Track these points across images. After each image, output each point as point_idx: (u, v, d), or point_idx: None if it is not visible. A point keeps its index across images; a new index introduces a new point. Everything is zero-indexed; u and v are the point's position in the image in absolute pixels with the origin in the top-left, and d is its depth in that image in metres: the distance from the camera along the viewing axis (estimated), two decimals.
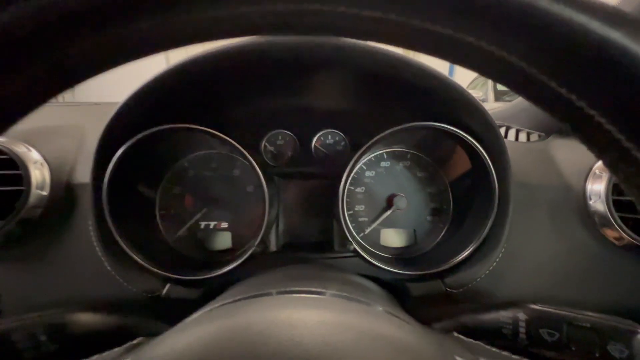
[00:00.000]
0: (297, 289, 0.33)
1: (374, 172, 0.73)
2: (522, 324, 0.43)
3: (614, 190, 0.55)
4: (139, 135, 0.53)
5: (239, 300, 0.32)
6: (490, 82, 3.05)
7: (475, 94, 0.54)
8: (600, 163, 0.59)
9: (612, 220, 0.55)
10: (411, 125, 0.58)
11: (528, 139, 0.75)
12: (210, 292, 0.56)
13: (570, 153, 0.64)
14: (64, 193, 0.56)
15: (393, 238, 0.72)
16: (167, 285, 0.57)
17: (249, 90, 0.60)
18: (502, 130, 0.77)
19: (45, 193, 0.54)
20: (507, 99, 2.41)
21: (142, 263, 0.54)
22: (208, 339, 0.22)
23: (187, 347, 0.22)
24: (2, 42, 0.13)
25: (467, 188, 0.67)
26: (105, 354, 0.33)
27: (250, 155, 0.58)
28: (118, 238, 0.53)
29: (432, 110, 0.58)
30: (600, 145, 0.16)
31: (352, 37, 0.17)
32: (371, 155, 0.73)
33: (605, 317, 0.40)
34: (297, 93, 0.63)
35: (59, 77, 0.16)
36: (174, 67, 0.47)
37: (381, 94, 0.61)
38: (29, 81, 0.15)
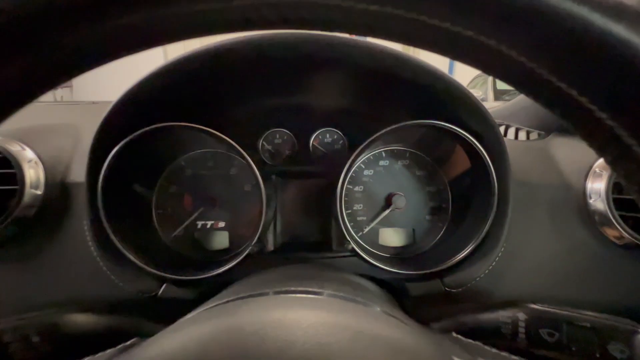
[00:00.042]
0: (294, 288, 0.33)
1: (372, 171, 0.72)
2: (522, 323, 0.43)
3: (614, 188, 0.55)
4: (135, 134, 0.53)
5: (235, 300, 0.32)
6: (490, 81, 3.05)
7: (475, 93, 0.53)
8: (600, 161, 0.59)
9: (613, 219, 0.54)
10: (410, 123, 0.57)
11: (528, 137, 0.75)
12: (208, 292, 0.56)
13: (570, 151, 0.64)
14: (59, 192, 0.55)
15: (392, 237, 0.71)
16: (164, 286, 0.57)
17: (246, 88, 0.60)
18: (502, 129, 0.76)
19: (39, 192, 0.54)
20: (507, 98, 2.41)
21: (138, 263, 0.54)
22: (202, 340, 0.22)
23: (180, 347, 0.22)
24: None
25: (467, 187, 0.66)
26: (98, 355, 0.33)
27: (247, 154, 0.58)
28: (113, 238, 0.53)
29: (431, 109, 0.58)
30: (601, 142, 0.16)
31: (348, 31, 0.17)
32: (370, 154, 0.72)
33: (605, 316, 0.40)
34: (295, 91, 0.62)
35: (51, 69, 0.15)
36: (170, 64, 0.47)
37: (380, 92, 0.60)
38: (20, 72, 0.14)
